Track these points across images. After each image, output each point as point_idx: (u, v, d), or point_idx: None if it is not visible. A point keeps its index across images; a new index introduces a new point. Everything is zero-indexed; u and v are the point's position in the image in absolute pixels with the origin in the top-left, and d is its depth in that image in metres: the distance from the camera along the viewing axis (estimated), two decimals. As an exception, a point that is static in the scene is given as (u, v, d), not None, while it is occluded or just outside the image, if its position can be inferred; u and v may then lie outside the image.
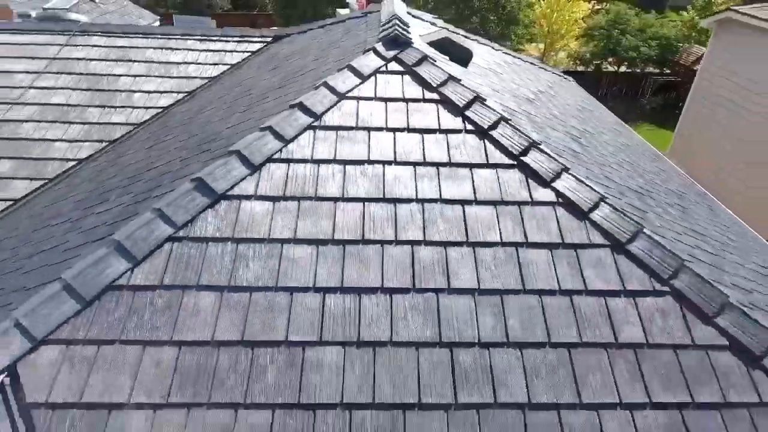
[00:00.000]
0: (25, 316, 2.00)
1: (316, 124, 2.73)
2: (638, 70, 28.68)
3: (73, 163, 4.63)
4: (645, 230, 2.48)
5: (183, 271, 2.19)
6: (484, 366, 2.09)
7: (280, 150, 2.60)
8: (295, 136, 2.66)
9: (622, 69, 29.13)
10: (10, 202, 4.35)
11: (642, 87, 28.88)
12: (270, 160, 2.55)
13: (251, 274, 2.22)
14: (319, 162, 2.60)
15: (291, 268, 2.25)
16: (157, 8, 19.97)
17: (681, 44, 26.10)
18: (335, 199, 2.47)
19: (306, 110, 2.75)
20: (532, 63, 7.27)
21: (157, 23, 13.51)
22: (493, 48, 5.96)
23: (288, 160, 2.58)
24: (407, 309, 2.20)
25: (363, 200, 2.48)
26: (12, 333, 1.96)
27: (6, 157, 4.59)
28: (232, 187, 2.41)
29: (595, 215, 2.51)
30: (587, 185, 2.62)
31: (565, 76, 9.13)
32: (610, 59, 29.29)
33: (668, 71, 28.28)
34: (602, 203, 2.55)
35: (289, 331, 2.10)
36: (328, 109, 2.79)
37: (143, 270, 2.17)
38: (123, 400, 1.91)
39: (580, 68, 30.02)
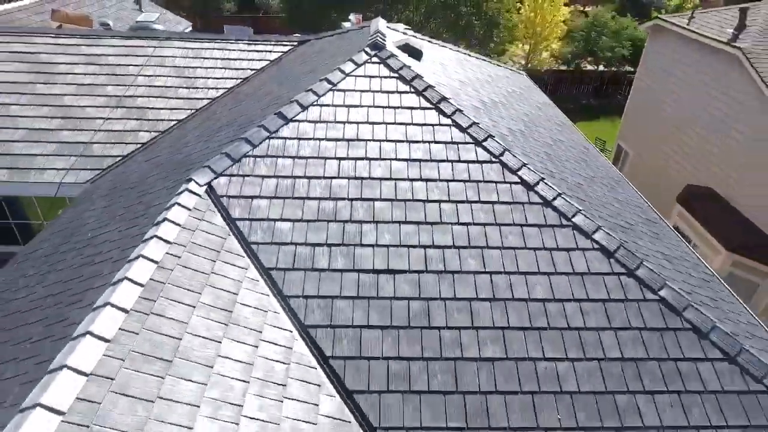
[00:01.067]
0: (210, 162, 4.62)
1: (334, 88, 5.36)
2: (614, 68, 31.47)
3: (174, 122, 7.28)
4: (545, 180, 4.91)
5: (276, 150, 4.81)
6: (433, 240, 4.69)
7: (317, 100, 5.22)
8: (324, 94, 5.28)
9: (600, 68, 31.96)
10: (139, 145, 6.99)
11: (622, 84, 31.42)
12: (312, 105, 5.18)
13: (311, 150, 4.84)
14: (337, 106, 5.22)
15: (331, 160, 4.85)
16: (179, 11, 22.48)
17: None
18: (345, 120, 5.10)
19: (329, 81, 5.38)
20: (483, 60, 9.91)
21: (189, 29, 16.14)
22: (446, 48, 8.63)
23: (321, 105, 5.21)
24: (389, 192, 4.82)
25: (357, 123, 5.11)
26: (207, 170, 4.56)
27: (133, 118, 7.24)
28: (296, 115, 5.05)
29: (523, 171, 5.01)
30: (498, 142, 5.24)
31: (518, 71, 11.77)
32: (589, 59, 32.09)
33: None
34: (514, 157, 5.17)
35: (334, 192, 4.65)
36: (339, 81, 5.42)
37: (259, 149, 4.79)
38: (270, 195, 4.51)
39: (563, 67, 32.83)
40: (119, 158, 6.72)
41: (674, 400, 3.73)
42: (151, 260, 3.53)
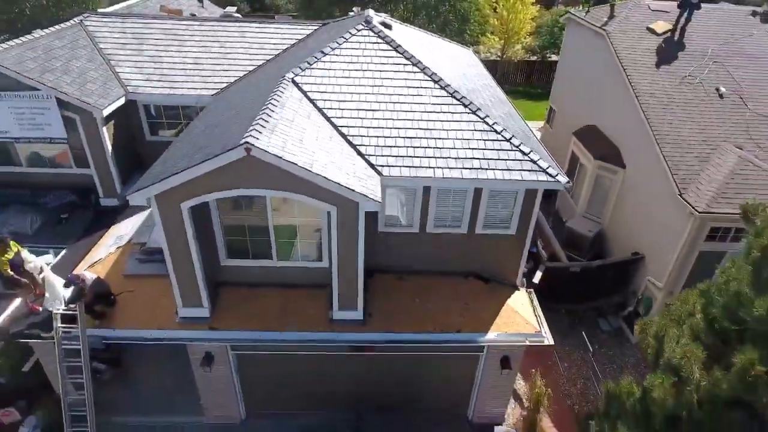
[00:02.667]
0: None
1: (345, 42, 10.88)
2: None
3: (255, 66, 12.82)
4: (480, 111, 10.40)
5: (316, 67, 10.35)
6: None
7: (337, 47, 10.74)
8: (341, 45, 10.79)
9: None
10: (236, 78, 12.52)
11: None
12: (334, 50, 10.68)
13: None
14: (345, 51, 10.74)
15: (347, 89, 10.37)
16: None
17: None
18: (350, 57, 10.62)
19: (343, 38, 10.90)
20: (439, 38, 15.48)
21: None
22: (412, 29, 14.22)
23: (339, 49, 10.72)
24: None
25: (358, 57, 10.63)
26: (290, 74, 10.08)
27: (229, 64, 12.79)
28: (327, 53, 10.56)
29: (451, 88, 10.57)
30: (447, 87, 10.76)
31: (466, 47, 17.30)
32: (555, 50, 37.66)
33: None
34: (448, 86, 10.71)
35: (343, 90, 10.19)
36: (349, 39, 10.93)
37: (311, 67, 10.32)
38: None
39: (533, 58, 38.43)
40: (228, 83, 12.31)
41: (488, 162, 9.23)
42: (275, 105, 9.02)
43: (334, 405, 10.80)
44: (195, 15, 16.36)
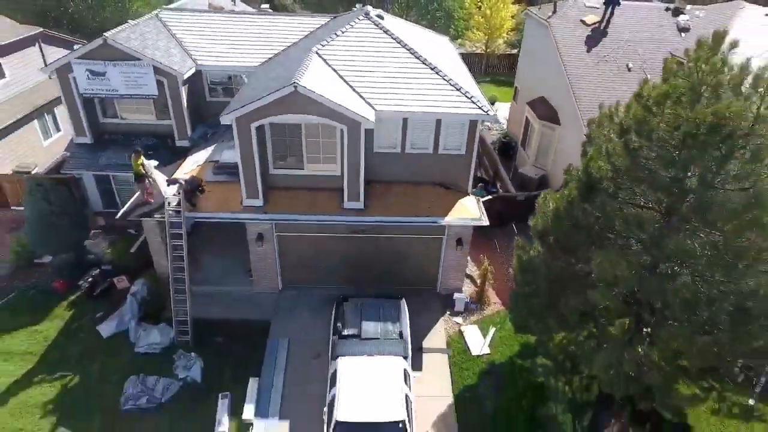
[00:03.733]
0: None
1: (350, 28, 15.75)
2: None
3: (287, 46, 17.73)
4: (442, 72, 15.30)
5: (331, 43, 15.23)
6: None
7: (345, 31, 15.61)
8: (348, 29, 15.67)
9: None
10: (275, 54, 17.44)
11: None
12: (344, 32, 15.56)
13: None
14: (351, 34, 15.61)
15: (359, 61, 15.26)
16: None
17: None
18: (355, 39, 15.49)
19: (350, 25, 15.79)
20: (421, 29, 20.38)
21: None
22: (400, 20, 19.15)
23: (348, 32, 15.60)
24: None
25: (360, 39, 15.51)
26: (316, 47, 14.96)
27: (270, 43, 17.71)
28: (340, 35, 15.45)
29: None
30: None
31: (442, 36, 22.19)
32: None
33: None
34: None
35: (348, 58, 15.08)
36: (352, 27, 15.81)
37: (328, 43, 15.20)
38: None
39: (514, 51, 43.31)
40: (267, 58, 17.21)
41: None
42: (307, 66, 13.88)
43: (341, 282, 15.60)
44: (234, 10, 21.29)
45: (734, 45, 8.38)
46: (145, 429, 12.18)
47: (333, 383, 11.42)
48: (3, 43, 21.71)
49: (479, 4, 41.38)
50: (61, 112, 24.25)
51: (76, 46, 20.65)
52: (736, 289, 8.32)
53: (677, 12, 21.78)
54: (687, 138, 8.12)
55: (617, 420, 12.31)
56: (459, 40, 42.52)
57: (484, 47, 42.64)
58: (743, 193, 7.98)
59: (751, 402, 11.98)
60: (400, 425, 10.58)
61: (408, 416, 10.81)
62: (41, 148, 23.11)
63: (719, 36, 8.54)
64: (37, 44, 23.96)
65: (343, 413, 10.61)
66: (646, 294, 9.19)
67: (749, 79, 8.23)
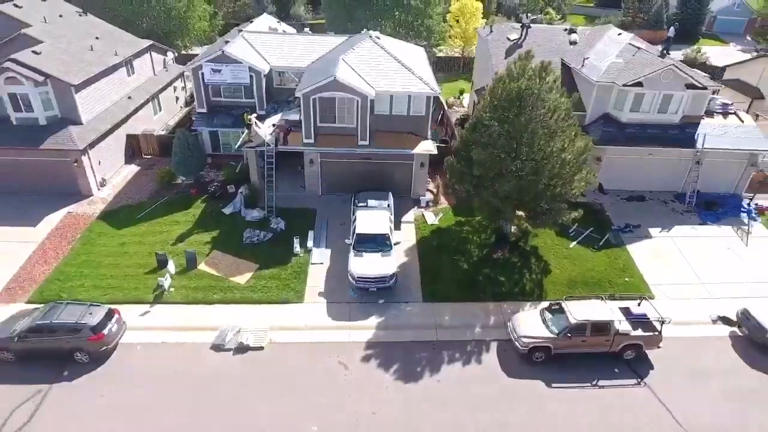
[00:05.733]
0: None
1: (358, 46, 27.53)
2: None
3: (317, 57, 29.56)
4: (413, 70, 27.13)
5: (348, 57, 27.02)
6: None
7: (356, 46, 27.38)
8: (358, 47, 27.45)
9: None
10: (314, 60, 29.28)
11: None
12: (356, 47, 27.33)
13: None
14: (362, 50, 27.39)
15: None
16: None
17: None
18: (363, 54, 27.27)
19: (359, 45, 27.59)
20: (404, 43, 32.21)
21: (293, 30, 38.54)
22: (391, 39, 31.07)
23: (360, 48, 27.36)
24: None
25: (368, 54, 27.30)
26: (340, 61, 26.74)
27: (309, 53, 29.57)
28: (354, 49, 27.22)
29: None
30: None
31: (419, 46, 34.23)
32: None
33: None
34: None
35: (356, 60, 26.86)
36: (360, 44, 27.59)
37: (344, 56, 27.00)
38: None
39: (485, 55, 55.16)
40: (311, 62, 29.10)
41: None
42: (338, 66, 25.68)
43: (352, 188, 27.28)
44: (285, 31, 33.17)
45: (531, 55, 20.25)
46: (256, 251, 23.97)
47: (354, 221, 23.29)
48: (134, 51, 33.52)
49: (457, 18, 53.40)
50: (163, 97, 36.31)
51: (168, 53, 33.15)
52: (536, 156, 20.15)
53: (571, 31, 33.65)
54: (509, 97, 19.95)
55: (502, 250, 24.17)
56: (441, 47, 54.61)
57: (461, 52, 54.57)
58: (538, 124, 19.86)
59: (571, 244, 23.96)
60: (386, 236, 22.42)
61: (389, 233, 22.68)
62: (152, 121, 34.97)
63: (528, 53, 20.45)
64: (148, 52, 35.76)
65: (360, 229, 22.48)
66: (494, 166, 20.96)
67: (548, 73, 20.10)
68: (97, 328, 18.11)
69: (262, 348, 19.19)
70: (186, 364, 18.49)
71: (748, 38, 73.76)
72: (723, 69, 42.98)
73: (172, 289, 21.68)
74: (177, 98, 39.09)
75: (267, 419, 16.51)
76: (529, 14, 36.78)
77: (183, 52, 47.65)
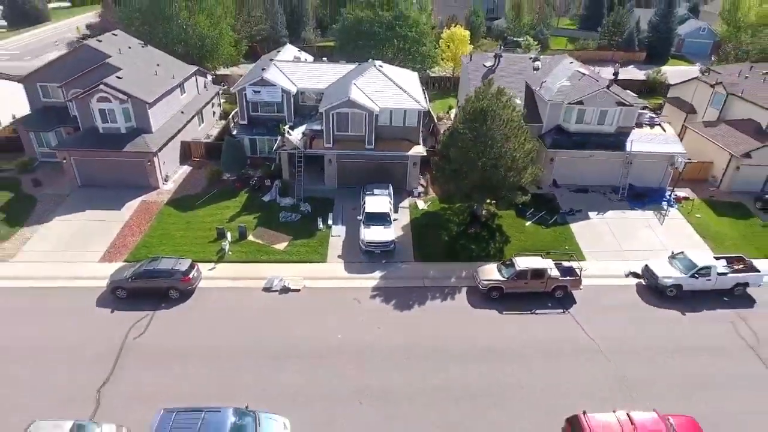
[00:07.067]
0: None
1: (365, 72, 35.75)
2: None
3: (333, 80, 37.79)
4: (407, 91, 35.36)
5: (359, 82, 35.24)
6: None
7: (364, 72, 35.61)
8: (366, 73, 35.69)
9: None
10: (331, 82, 37.51)
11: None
12: (364, 75, 35.54)
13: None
14: (368, 77, 35.60)
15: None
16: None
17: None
18: (370, 79, 35.49)
19: (367, 71, 35.83)
20: (400, 69, 40.49)
21: (311, 58, 46.97)
22: (391, 66, 39.42)
23: (366, 77, 35.58)
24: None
25: (373, 80, 35.52)
26: (351, 86, 34.96)
27: (327, 77, 37.81)
28: (362, 76, 35.46)
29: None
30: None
31: (414, 70, 42.67)
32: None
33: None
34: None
35: (368, 83, 35.09)
36: (368, 71, 35.83)
37: (355, 82, 35.24)
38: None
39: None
40: (329, 84, 37.35)
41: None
42: (351, 89, 33.88)
43: (361, 181, 35.30)
44: (306, 60, 41.54)
45: (491, 82, 28.54)
46: (289, 226, 31.91)
47: (363, 204, 31.32)
48: (185, 75, 41.80)
49: (448, 43, 61.92)
50: (205, 111, 44.60)
51: (209, 75, 41.53)
52: (494, 155, 28.22)
53: (535, 60, 41.97)
54: (475, 112, 28.10)
55: (475, 227, 32.14)
56: (435, 68, 63.07)
57: (452, 72, 62.99)
58: (496, 132, 27.98)
59: (527, 223, 31.96)
60: (387, 214, 30.44)
61: (389, 212, 30.69)
62: (197, 131, 43.16)
63: (489, 80, 28.75)
64: (194, 75, 44.05)
65: (368, 209, 30.52)
66: (467, 162, 28.92)
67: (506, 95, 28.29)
68: (185, 273, 25.97)
69: (298, 290, 27.01)
70: (244, 301, 26.31)
71: (713, 59, 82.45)
72: (668, 88, 51.18)
73: (230, 252, 29.57)
74: (214, 112, 47.37)
75: (306, 333, 24.27)
76: (503, 45, 45.18)
77: (213, 72, 56.04)
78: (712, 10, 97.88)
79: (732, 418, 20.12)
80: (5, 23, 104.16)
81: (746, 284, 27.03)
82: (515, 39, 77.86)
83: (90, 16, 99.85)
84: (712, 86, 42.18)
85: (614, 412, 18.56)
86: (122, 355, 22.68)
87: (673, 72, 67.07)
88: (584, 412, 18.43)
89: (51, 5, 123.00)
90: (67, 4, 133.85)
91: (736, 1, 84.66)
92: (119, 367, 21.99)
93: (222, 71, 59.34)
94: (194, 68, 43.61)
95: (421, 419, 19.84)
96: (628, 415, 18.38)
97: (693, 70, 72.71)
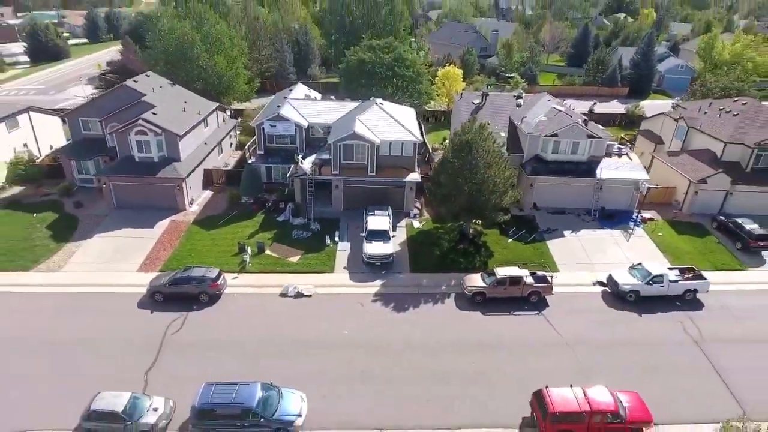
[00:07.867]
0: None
1: (368, 111, 41.02)
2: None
3: (341, 116, 43.07)
4: (404, 125, 40.59)
5: (362, 117, 40.47)
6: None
7: (368, 110, 40.90)
8: (368, 111, 40.95)
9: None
10: (339, 117, 42.77)
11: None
12: (367, 113, 40.80)
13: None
14: (371, 114, 40.86)
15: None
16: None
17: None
18: (372, 115, 40.73)
19: (369, 110, 41.10)
20: (400, 105, 45.86)
21: (319, 96, 52.54)
22: (390, 103, 44.84)
23: (369, 115, 40.85)
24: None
25: (374, 116, 40.78)
26: (356, 121, 40.16)
27: (339, 110, 43.11)
28: (367, 113, 40.72)
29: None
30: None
31: (411, 106, 48.12)
32: (476, 105, 68.57)
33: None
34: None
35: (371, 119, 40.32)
36: (370, 108, 41.09)
37: (360, 117, 40.42)
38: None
39: (466, 109, 69.33)
40: (337, 119, 42.61)
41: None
42: (356, 123, 39.05)
43: (364, 204, 40.07)
44: (315, 98, 46.95)
45: (475, 118, 33.74)
46: (301, 242, 36.55)
47: (366, 223, 36.04)
48: (208, 111, 47.16)
49: (443, 81, 67.84)
50: (224, 143, 49.84)
51: (227, 110, 47.00)
52: (478, 181, 33.12)
53: (518, 97, 47.40)
54: (461, 144, 33.15)
55: (463, 244, 36.82)
56: (431, 103, 68.81)
57: (447, 107, 68.69)
58: (479, 160, 32.99)
59: (509, 240, 36.69)
60: (386, 231, 35.13)
61: (389, 230, 35.39)
62: (217, 160, 48.28)
63: (473, 118, 33.97)
64: (215, 111, 49.45)
65: (370, 227, 35.21)
66: (455, 187, 33.75)
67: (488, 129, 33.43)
68: (215, 280, 30.52)
69: (310, 296, 31.46)
70: (264, 305, 30.73)
71: (687, 94, 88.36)
72: (641, 121, 56.55)
73: (250, 264, 34.14)
74: (231, 143, 52.63)
75: (317, 330, 28.62)
76: (497, 79, 50.48)
77: (232, 108, 61.69)
78: (690, 49, 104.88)
79: (670, 394, 24.33)
80: (28, 59, 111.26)
81: (695, 290, 31.45)
82: (507, 75, 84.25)
83: (110, 52, 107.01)
84: (677, 120, 47.42)
85: (571, 387, 22.77)
86: (163, 347, 26.99)
87: (651, 106, 72.76)
88: (546, 387, 22.65)
89: (70, 42, 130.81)
90: (85, 40, 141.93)
91: (710, 41, 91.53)
92: (161, 356, 26.30)
93: (236, 106, 64.98)
94: (215, 104, 49.03)
95: (416, 395, 24.07)
96: (582, 389, 22.58)
97: (668, 104, 78.54)
